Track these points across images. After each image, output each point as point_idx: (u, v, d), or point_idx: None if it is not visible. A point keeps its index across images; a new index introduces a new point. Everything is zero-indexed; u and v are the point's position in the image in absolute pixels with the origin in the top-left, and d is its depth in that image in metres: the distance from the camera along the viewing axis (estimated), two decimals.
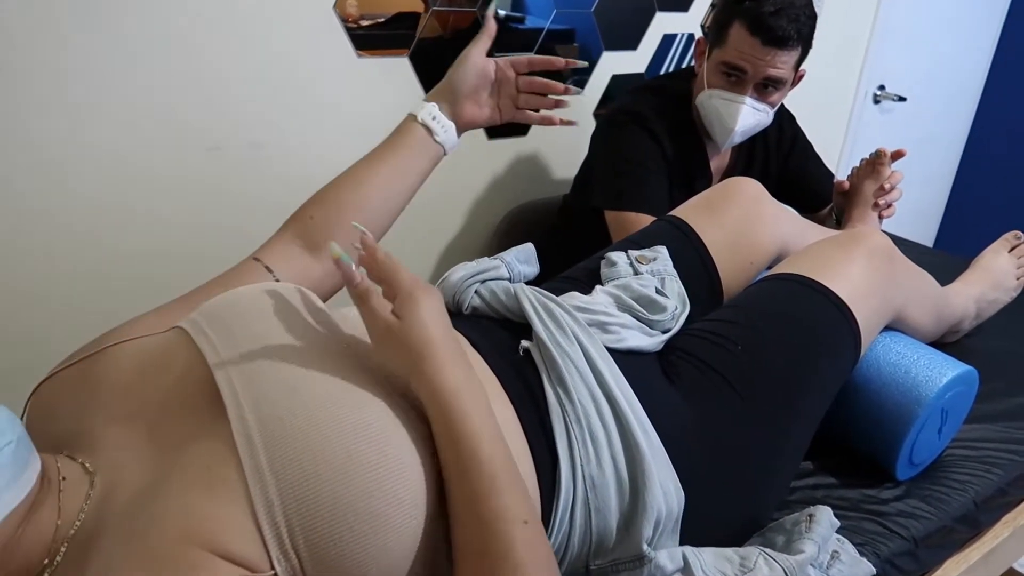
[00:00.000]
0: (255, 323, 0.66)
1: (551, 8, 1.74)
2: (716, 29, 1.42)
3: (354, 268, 0.64)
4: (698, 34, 2.08)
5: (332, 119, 1.51)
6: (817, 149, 1.76)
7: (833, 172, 1.76)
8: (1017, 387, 1.22)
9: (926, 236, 3.29)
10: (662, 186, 1.48)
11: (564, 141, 1.91)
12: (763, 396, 0.86)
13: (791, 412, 0.87)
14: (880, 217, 1.51)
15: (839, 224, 1.61)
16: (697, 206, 1.10)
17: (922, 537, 0.92)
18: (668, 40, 2.02)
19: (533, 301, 0.81)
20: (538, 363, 0.76)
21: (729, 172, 1.64)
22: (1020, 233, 1.35)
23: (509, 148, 1.82)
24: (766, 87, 1.41)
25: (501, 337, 0.80)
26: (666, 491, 0.73)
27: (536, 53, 1.74)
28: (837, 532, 0.85)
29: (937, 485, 0.99)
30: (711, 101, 1.44)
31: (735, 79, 1.40)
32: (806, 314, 0.91)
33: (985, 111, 3.10)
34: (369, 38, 1.49)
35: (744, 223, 1.08)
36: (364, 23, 1.48)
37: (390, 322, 0.63)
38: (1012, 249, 1.35)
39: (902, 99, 2.67)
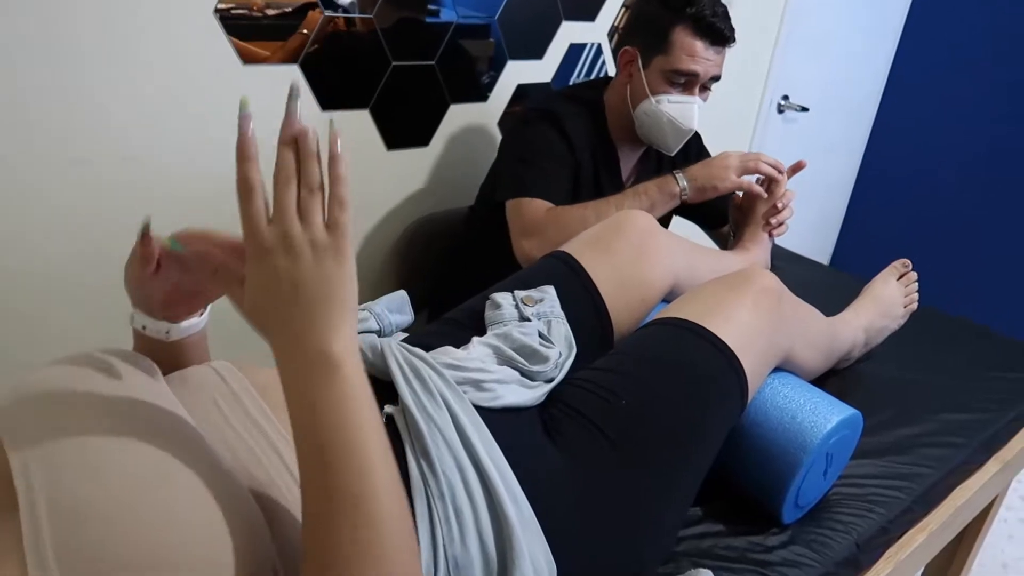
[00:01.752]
0: (67, 401, 0.58)
1: (453, 17, 1.68)
2: (652, 36, 1.41)
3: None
4: (605, 43, 2.05)
5: (215, 131, 1.40)
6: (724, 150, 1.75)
7: None
8: (902, 417, 1.23)
9: (824, 247, 3.36)
10: (565, 179, 1.46)
11: (468, 150, 1.86)
12: (647, 452, 0.83)
13: (676, 468, 0.85)
14: (770, 235, 1.51)
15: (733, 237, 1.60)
16: (587, 241, 1.07)
17: None
18: (576, 50, 1.99)
19: (400, 360, 0.75)
20: (401, 431, 0.71)
21: (636, 182, 1.62)
22: (908, 261, 1.37)
23: (409, 159, 1.75)
24: (706, 87, 1.46)
25: None
26: (537, 566, 0.69)
27: (439, 57, 1.67)
28: None
29: (821, 528, 0.99)
30: (660, 107, 1.43)
31: (685, 82, 1.42)
32: (692, 364, 0.89)
33: (882, 122, 3.20)
34: (270, 28, 1.39)
35: (634, 259, 1.05)
36: (270, 12, 1.38)
37: (315, 237, 0.54)
38: (900, 277, 1.37)
39: (804, 109, 2.72)
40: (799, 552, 0.94)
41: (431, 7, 1.62)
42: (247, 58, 1.39)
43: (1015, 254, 2.93)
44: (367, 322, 0.82)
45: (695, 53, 1.39)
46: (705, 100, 1.48)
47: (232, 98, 1.39)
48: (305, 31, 1.45)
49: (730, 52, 1.47)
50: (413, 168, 1.77)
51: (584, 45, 2.00)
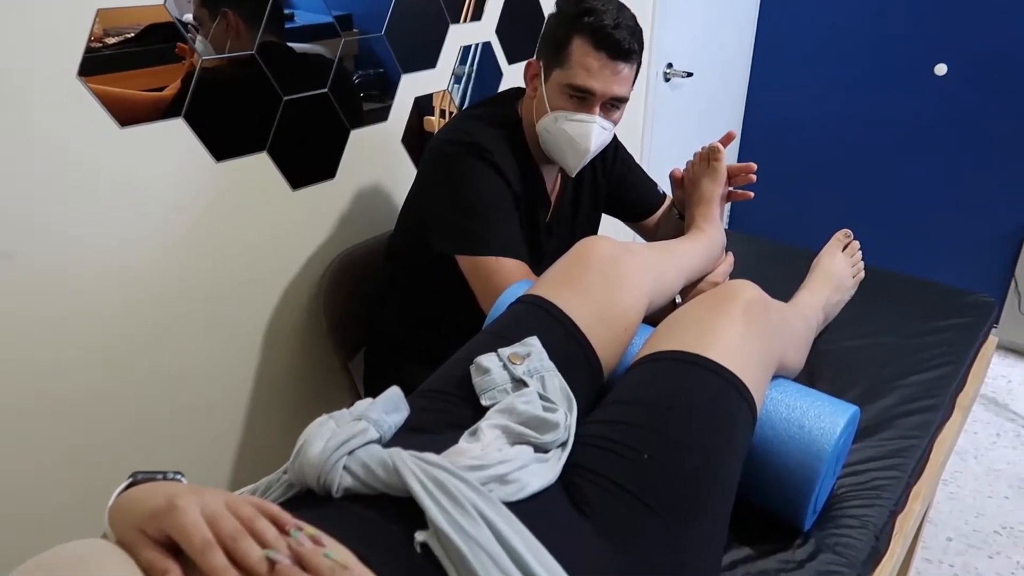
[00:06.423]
0: None
1: (339, 41, 1.57)
2: (553, 49, 1.32)
3: None
4: (495, 41, 1.98)
5: (98, 205, 1.24)
6: (620, 130, 1.69)
7: (646, 170, 1.72)
8: (875, 389, 1.25)
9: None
10: (516, 226, 1.36)
11: (376, 174, 1.75)
12: (680, 504, 0.79)
13: (709, 511, 0.81)
14: (732, 198, 1.49)
15: (681, 218, 1.57)
16: (556, 280, 1.00)
17: None
18: (465, 52, 1.91)
19: (420, 476, 0.66)
20: (441, 559, 0.63)
21: (562, 197, 1.56)
22: (849, 231, 1.39)
23: (317, 194, 1.63)
24: (610, 106, 1.35)
25: (389, 531, 0.65)
26: None
27: (331, 84, 1.55)
28: None
29: (839, 528, 0.98)
30: (558, 124, 1.33)
31: (582, 99, 1.32)
32: (704, 400, 0.85)
33: (758, 75, 3.29)
34: (117, 58, 1.22)
35: (607, 289, 1.00)
36: (110, 40, 1.21)
37: None
38: (845, 248, 1.38)
39: (689, 74, 2.74)
40: (828, 560, 0.93)
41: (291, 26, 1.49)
42: (124, 120, 1.24)
43: (900, 192, 3.08)
44: (367, 432, 0.72)
45: (591, 68, 1.28)
46: (615, 122, 1.38)
47: (116, 165, 1.24)
48: (182, 79, 1.30)
49: None
50: (324, 203, 1.65)
51: (471, 47, 1.92)
